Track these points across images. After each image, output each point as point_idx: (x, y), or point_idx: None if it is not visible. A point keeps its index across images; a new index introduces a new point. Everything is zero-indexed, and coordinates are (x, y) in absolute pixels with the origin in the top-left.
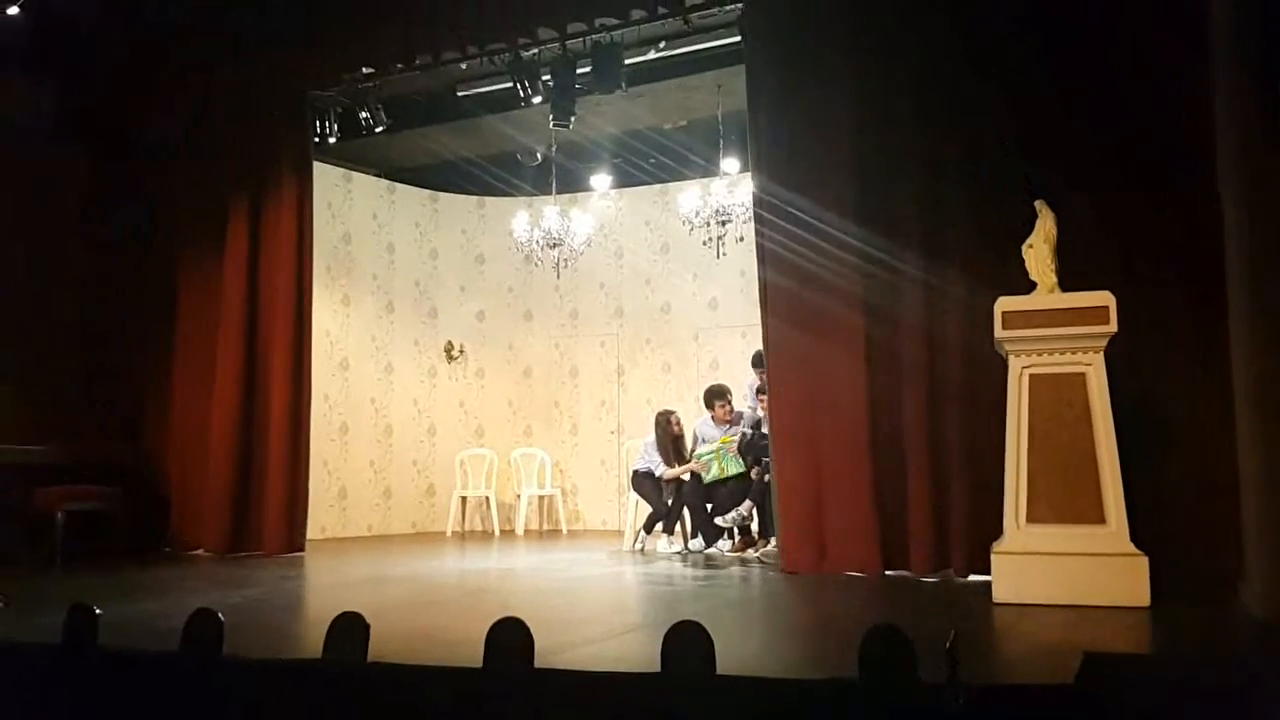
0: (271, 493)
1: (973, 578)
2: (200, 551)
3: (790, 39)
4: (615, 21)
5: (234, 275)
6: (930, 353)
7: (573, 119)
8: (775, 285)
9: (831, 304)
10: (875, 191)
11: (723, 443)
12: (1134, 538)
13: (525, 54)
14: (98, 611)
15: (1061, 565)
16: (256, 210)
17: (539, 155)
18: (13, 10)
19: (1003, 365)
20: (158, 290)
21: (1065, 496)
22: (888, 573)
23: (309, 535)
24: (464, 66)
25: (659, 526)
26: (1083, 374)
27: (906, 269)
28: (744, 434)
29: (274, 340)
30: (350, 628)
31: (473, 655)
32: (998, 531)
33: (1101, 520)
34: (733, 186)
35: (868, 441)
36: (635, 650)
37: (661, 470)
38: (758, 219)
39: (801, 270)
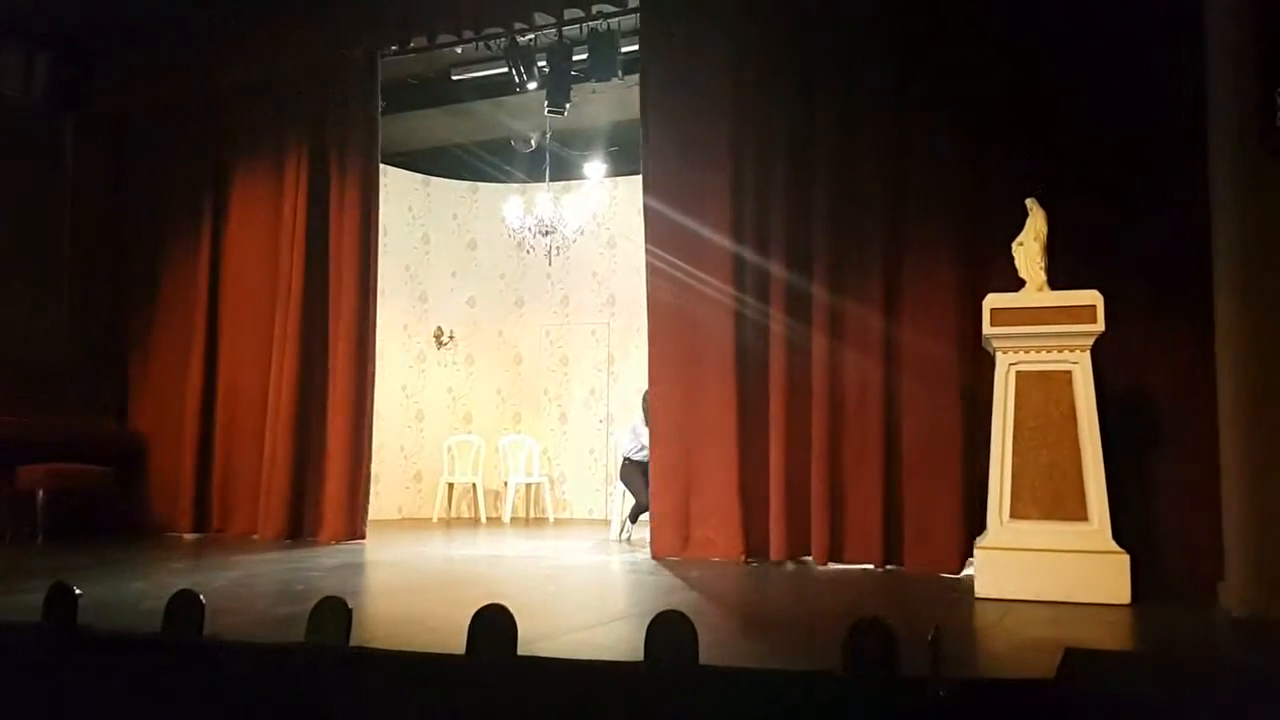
0: (331, 478)
1: (833, 565)
2: (255, 537)
3: (679, 56)
4: (613, 9)
5: (287, 252)
6: (791, 353)
7: (568, 106)
8: (657, 286)
9: (707, 306)
10: (748, 201)
11: None
12: (1116, 536)
13: (521, 39)
14: (78, 591)
15: (1044, 561)
16: (318, 183)
17: (533, 142)
18: None
19: (859, 368)
20: (173, 262)
21: (1049, 493)
22: (747, 560)
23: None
24: (459, 50)
25: (645, 516)
26: (1069, 372)
27: (774, 278)
28: None
29: (339, 317)
30: (332, 612)
31: (456, 642)
32: (854, 521)
33: (1084, 518)
34: None
35: (736, 435)
36: (619, 639)
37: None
38: (646, 223)
39: (681, 276)
